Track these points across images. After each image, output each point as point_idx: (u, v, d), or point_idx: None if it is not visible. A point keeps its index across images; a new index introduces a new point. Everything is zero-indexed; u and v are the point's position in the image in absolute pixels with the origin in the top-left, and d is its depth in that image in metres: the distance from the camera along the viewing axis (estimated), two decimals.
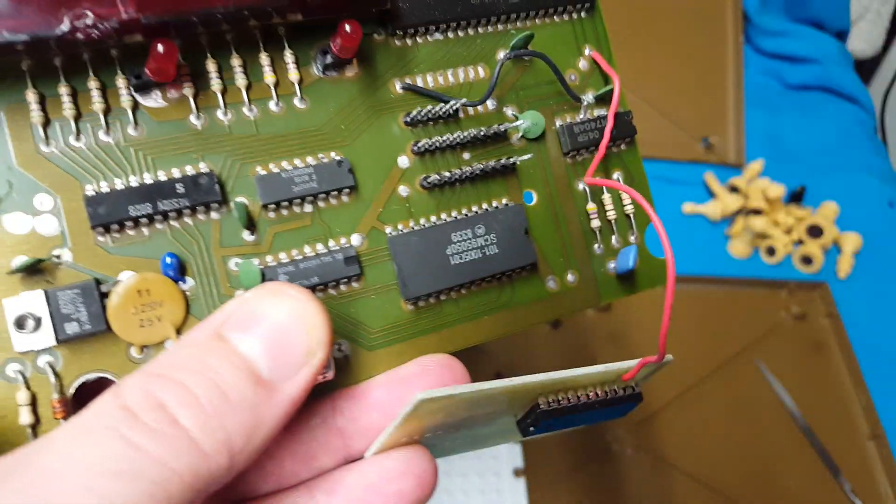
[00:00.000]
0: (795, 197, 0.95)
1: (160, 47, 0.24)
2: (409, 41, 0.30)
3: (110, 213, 0.25)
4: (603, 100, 0.33)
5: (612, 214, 0.33)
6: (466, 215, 0.30)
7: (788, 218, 0.91)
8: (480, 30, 0.31)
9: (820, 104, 1.00)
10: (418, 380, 0.26)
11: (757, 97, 1.00)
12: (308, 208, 0.28)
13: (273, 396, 0.20)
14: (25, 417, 0.24)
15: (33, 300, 0.24)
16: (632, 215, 0.33)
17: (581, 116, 0.32)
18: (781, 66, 1.05)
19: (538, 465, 0.60)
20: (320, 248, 0.28)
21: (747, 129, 0.97)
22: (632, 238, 0.33)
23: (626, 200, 0.33)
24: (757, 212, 0.92)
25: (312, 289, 0.27)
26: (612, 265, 0.32)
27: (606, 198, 0.33)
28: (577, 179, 0.32)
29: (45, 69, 0.25)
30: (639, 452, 0.67)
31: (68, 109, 0.25)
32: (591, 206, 0.32)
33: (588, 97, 0.33)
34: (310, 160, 0.28)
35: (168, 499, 0.18)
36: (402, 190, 0.29)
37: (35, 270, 0.24)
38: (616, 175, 0.33)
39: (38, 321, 0.24)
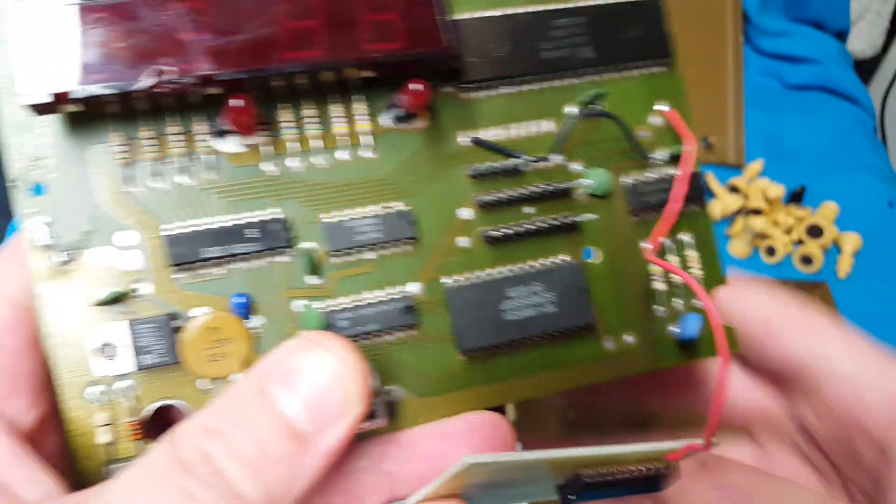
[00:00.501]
0: (795, 197, 0.94)
1: (236, 102, 0.26)
2: (479, 94, 0.31)
3: (186, 253, 0.27)
4: (674, 159, 0.33)
5: (676, 277, 0.32)
6: (524, 270, 0.30)
7: (788, 218, 0.91)
8: (552, 83, 0.32)
9: (820, 104, 0.99)
10: (464, 437, 0.27)
11: (757, 97, 0.99)
12: (371, 256, 0.29)
13: (310, 449, 0.21)
14: (103, 436, 0.26)
15: (115, 330, 0.26)
16: (699, 280, 0.32)
17: (650, 175, 0.32)
18: (781, 66, 1.03)
19: None
20: (380, 294, 0.29)
21: (747, 129, 0.96)
22: (696, 303, 0.32)
23: (693, 264, 0.32)
24: (757, 212, 0.92)
25: (369, 335, 0.28)
26: (674, 329, 0.32)
27: (671, 259, 0.32)
28: (641, 239, 0.32)
29: (129, 114, 0.27)
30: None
31: (149, 152, 0.27)
32: (656, 268, 0.32)
33: (659, 155, 0.32)
34: (376, 209, 0.29)
35: None
36: (463, 241, 0.30)
37: (116, 301, 0.26)
38: (683, 237, 0.33)
39: (117, 350, 0.26)
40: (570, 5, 0.31)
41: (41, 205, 0.26)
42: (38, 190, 0.26)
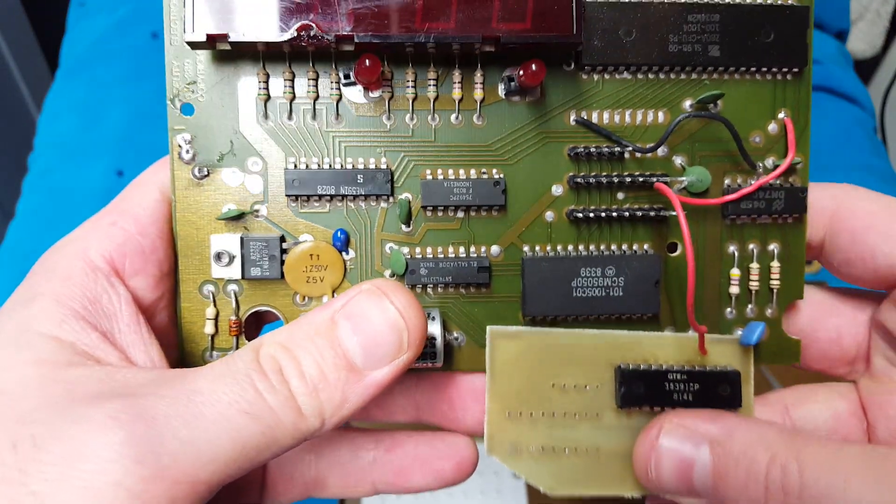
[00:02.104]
0: None
1: (366, 62, 0.28)
2: (595, 76, 0.31)
3: (302, 186, 0.30)
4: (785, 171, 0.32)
5: (755, 285, 0.33)
6: (602, 253, 0.32)
7: None
8: (672, 76, 0.32)
9: (820, 104, 0.87)
10: (440, 454, 0.33)
11: None
12: (460, 214, 0.31)
13: (361, 382, 0.25)
14: (209, 328, 0.31)
15: (232, 242, 0.30)
16: (776, 290, 0.33)
17: (752, 182, 0.32)
18: None
19: None
20: (462, 251, 0.31)
21: None
22: (769, 312, 0.33)
23: (775, 274, 0.33)
24: None
25: (445, 286, 0.31)
26: (738, 332, 0.33)
27: (754, 267, 0.33)
28: (729, 242, 0.33)
29: (273, 56, 0.30)
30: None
31: (287, 92, 0.30)
32: (736, 273, 0.33)
33: (767, 163, 0.32)
34: (472, 173, 0.31)
35: (275, 440, 0.24)
36: (548, 215, 0.32)
37: (237, 218, 0.30)
38: (772, 247, 0.33)
39: (231, 258, 0.30)
40: (707, 1, 0.31)
41: (188, 123, 0.30)
42: (188, 110, 0.30)
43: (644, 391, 0.30)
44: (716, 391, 0.31)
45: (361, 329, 0.26)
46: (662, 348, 0.31)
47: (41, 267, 0.28)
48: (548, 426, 0.31)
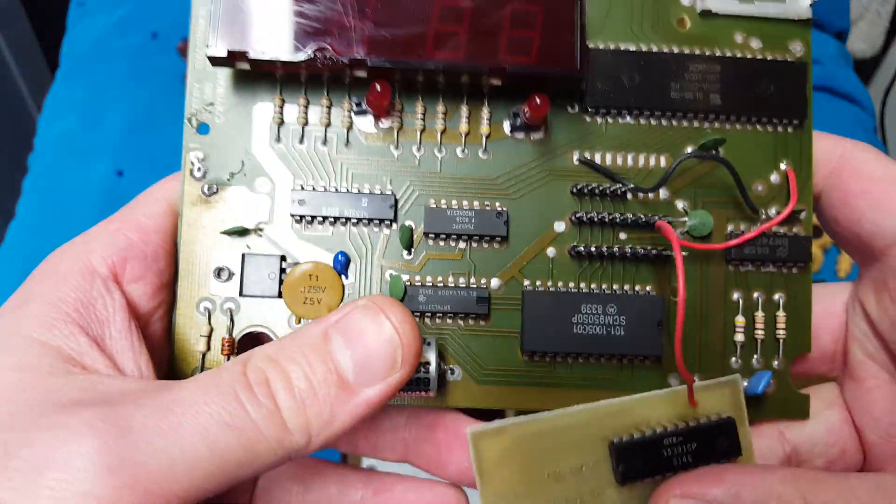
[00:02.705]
0: None
1: (378, 87, 0.29)
2: (598, 119, 0.32)
3: (307, 206, 0.31)
4: (787, 220, 0.32)
5: (760, 334, 0.32)
6: (604, 291, 0.31)
7: None
8: (675, 122, 0.32)
9: (820, 104, 0.87)
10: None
11: None
12: (462, 245, 0.31)
13: (351, 399, 0.24)
14: (201, 345, 0.30)
15: (233, 258, 0.30)
16: (782, 341, 0.32)
17: (756, 229, 0.32)
18: None
19: None
20: (462, 281, 0.31)
21: None
22: (775, 364, 0.32)
23: (781, 325, 0.32)
24: None
25: (444, 315, 0.31)
26: (744, 383, 0.32)
27: (759, 315, 0.32)
28: (734, 289, 0.32)
29: (289, 80, 0.31)
30: None
31: (301, 117, 0.31)
32: (741, 320, 0.32)
33: (770, 212, 0.32)
34: (475, 204, 0.31)
35: (256, 455, 0.23)
36: (550, 251, 0.32)
37: (241, 234, 0.31)
38: (777, 296, 0.32)
39: (231, 274, 0.30)
40: (708, 52, 0.32)
41: (203, 142, 0.31)
42: (203, 129, 0.31)
43: (642, 464, 0.29)
44: (713, 446, 0.29)
45: (355, 344, 0.25)
46: (653, 409, 0.30)
47: (41, 269, 0.28)
48: None
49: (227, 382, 0.23)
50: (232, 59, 0.29)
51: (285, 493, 0.31)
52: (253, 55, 0.29)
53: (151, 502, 0.21)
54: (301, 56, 0.29)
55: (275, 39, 0.29)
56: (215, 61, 0.29)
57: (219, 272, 0.30)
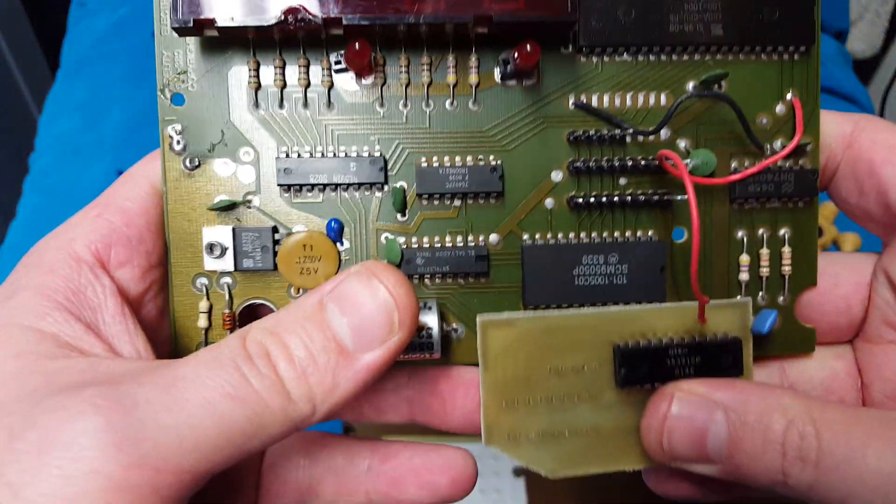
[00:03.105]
0: None
1: (356, 45, 0.28)
2: (594, 59, 0.31)
3: (294, 176, 0.30)
4: (793, 153, 0.31)
5: (765, 271, 0.31)
6: (605, 240, 0.31)
7: None
8: (674, 57, 0.31)
9: (820, 104, 0.86)
10: (438, 467, 0.31)
11: None
12: (457, 203, 0.30)
13: (352, 365, 0.24)
14: (202, 321, 0.30)
15: (224, 233, 0.30)
16: (787, 276, 0.32)
17: (759, 164, 0.31)
18: None
19: None
20: (459, 240, 0.31)
21: None
22: (781, 300, 0.32)
23: (786, 260, 0.31)
24: None
25: (443, 276, 0.30)
26: (750, 318, 0.32)
27: (764, 252, 0.31)
28: (738, 227, 0.31)
29: (262, 43, 0.29)
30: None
31: (278, 80, 0.30)
32: (745, 259, 0.31)
33: (775, 145, 0.31)
34: (468, 160, 0.30)
35: (262, 426, 0.23)
36: (548, 202, 0.31)
37: (229, 208, 0.30)
38: (783, 231, 0.32)
39: (224, 250, 0.30)
40: None
41: (179, 113, 0.30)
42: (178, 100, 0.30)
43: (645, 370, 0.29)
44: (718, 362, 0.30)
45: (350, 311, 0.25)
46: (660, 319, 0.30)
47: (25, 261, 0.27)
48: (546, 411, 0.30)
49: (227, 356, 0.24)
50: (199, 27, 0.27)
51: (292, 467, 0.31)
52: (221, 22, 0.27)
53: (161, 479, 0.21)
54: (272, 20, 0.27)
55: (243, 3, 0.27)
56: (181, 31, 0.27)
57: (210, 248, 0.30)
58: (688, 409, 0.28)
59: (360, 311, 0.25)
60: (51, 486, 0.20)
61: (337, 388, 0.24)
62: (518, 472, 0.57)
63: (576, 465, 0.30)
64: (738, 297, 0.32)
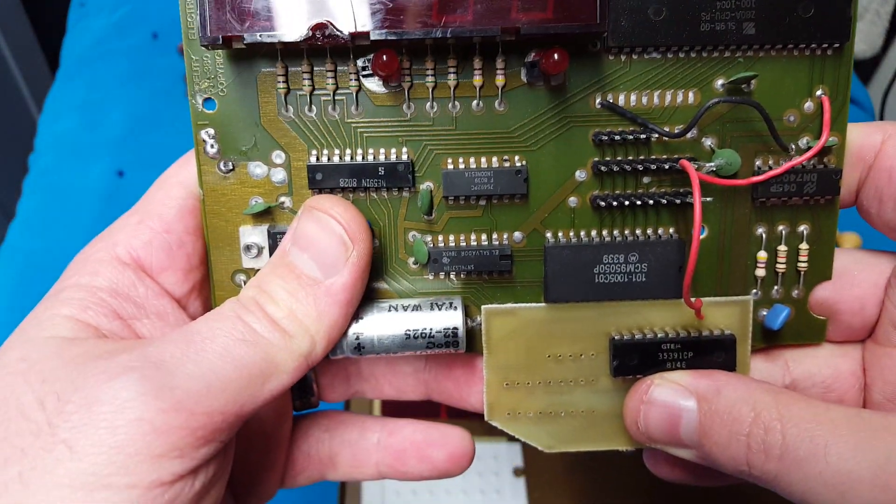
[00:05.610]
0: None
1: (384, 57, 0.28)
2: (622, 57, 0.30)
3: (324, 180, 0.30)
4: (820, 153, 0.31)
5: (781, 267, 0.32)
6: (626, 239, 0.32)
7: None
8: (704, 53, 0.30)
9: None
10: (437, 441, 0.35)
11: None
12: (482, 203, 0.31)
13: (328, 291, 0.28)
14: None
15: (259, 234, 0.31)
16: (803, 272, 0.32)
17: (783, 165, 0.31)
18: None
19: (538, 464, 0.58)
20: (484, 238, 0.32)
21: None
22: (795, 293, 0.33)
23: (803, 256, 0.32)
24: None
25: (468, 273, 0.32)
26: (762, 313, 0.33)
27: (781, 248, 0.32)
28: (758, 224, 0.32)
29: (292, 51, 0.29)
30: (639, 451, 0.68)
31: (306, 84, 0.30)
32: (763, 255, 0.32)
33: (801, 143, 0.31)
34: (494, 161, 0.31)
35: (276, 364, 0.26)
36: (572, 201, 0.31)
37: (264, 212, 0.31)
38: (802, 228, 0.32)
39: (260, 250, 0.31)
40: None
41: (211, 118, 0.30)
42: (210, 105, 0.30)
43: (637, 362, 0.31)
44: (710, 358, 0.31)
45: (307, 246, 0.28)
46: (659, 312, 0.32)
47: (73, 263, 0.30)
48: (544, 393, 0.33)
49: (228, 312, 0.27)
50: (227, 43, 0.27)
51: (314, 442, 0.35)
52: (249, 39, 0.27)
53: (196, 420, 0.24)
54: (300, 35, 0.27)
55: (272, 18, 0.27)
56: (210, 46, 0.27)
57: (248, 249, 0.31)
58: (664, 394, 0.30)
59: (315, 244, 0.28)
60: (100, 437, 0.23)
61: (323, 315, 0.28)
62: (518, 472, 0.58)
63: (570, 442, 0.33)
64: (754, 291, 0.33)
